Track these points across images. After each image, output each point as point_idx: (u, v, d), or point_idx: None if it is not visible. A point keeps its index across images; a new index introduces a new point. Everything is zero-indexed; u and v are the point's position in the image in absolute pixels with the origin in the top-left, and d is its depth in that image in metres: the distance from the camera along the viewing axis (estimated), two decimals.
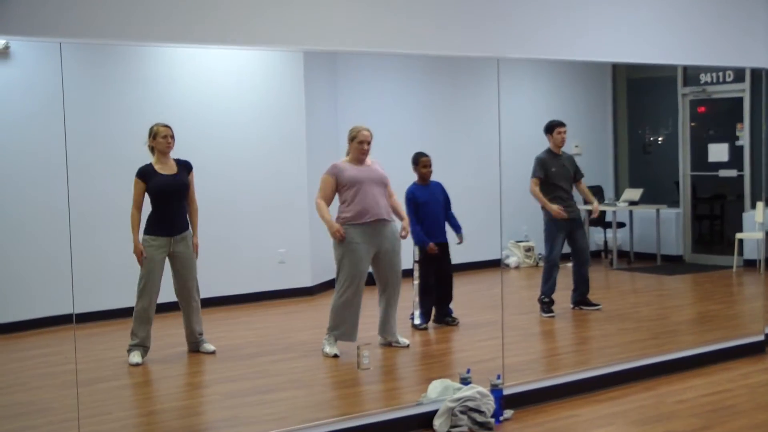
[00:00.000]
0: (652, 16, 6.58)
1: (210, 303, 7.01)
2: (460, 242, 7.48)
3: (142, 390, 6.28)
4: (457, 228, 7.53)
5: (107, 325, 6.64)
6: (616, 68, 11.16)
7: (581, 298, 8.17)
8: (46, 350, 6.54)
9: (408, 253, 7.24)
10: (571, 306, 8.13)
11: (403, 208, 7.03)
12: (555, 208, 7.89)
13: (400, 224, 6.88)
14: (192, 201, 6.66)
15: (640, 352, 6.63)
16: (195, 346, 6.65)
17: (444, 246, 7.51)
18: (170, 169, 6.52)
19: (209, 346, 6.64)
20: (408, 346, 6.89)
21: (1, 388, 5.97)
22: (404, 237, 6.88)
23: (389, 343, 6.87)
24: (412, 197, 7.38)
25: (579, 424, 5.45)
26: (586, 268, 8.23)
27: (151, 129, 6.51)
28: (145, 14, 4.59)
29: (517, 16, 5.91)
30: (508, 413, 5.51)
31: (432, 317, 7.53)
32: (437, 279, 7.51)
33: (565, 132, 8.06)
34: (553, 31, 6.10)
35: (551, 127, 8.07)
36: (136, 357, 6.38)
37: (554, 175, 7.99)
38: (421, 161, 7.43)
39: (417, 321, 7.43)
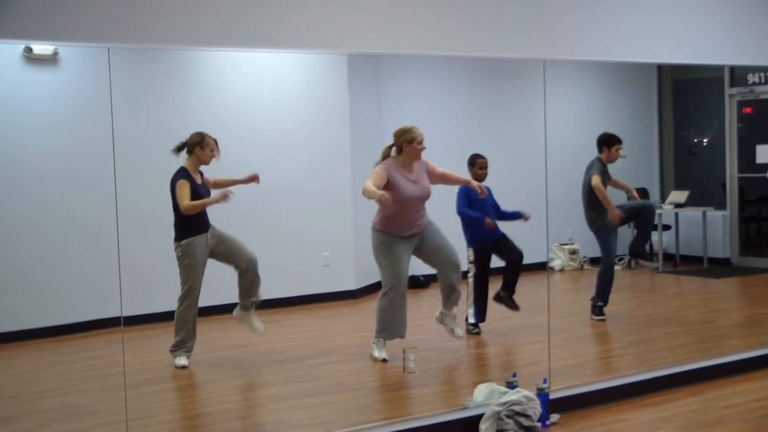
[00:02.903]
0: (697, 16, 6.52)
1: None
2: (528, 218, 7.43)
3: (188, 393, 6.31)
4: (516, 215, 7.50)
5: (154, 328, 6.69)
6: (662, 69, 11.08)
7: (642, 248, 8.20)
8: (93, 353, 6.61)
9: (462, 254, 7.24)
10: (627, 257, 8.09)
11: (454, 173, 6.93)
12: (617, 213, 7.81)
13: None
14: None
15: (687, 356, 6.56)
16: (246, 317, 6.72)
17: (501, 239, 7.49)
18: (199, 178, 6.56)
19: (258, 325, 6.75)
20: (462, 337, 6.90)
21: (51, 390, 6.03)
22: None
23: (449, 328, 6.89)
24: (468, 193, 7.34)
25: (626, 428, 5.40)
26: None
27: (204, 137, 6.49)
28: (190, 19, 4.62)
29: (563, 17, 5.88)
30: (554, 417, 5.47)
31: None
32: (510, 261, 7.52)
33: (620, 149, 7.97)
34: (599, 32, 6.06)
35: (610, 142, 7.94)
36: (182, 360, 6.42)
37: (605, 182, 7.92)
38: (477, 162, 7.40)
39: (471, 320, 7.41)
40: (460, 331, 6.91)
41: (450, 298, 6.82)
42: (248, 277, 6.68)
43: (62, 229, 6.66)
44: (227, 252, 6.62)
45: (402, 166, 6.52)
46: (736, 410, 5.67)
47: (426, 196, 6.61)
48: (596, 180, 7.78)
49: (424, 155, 6.61)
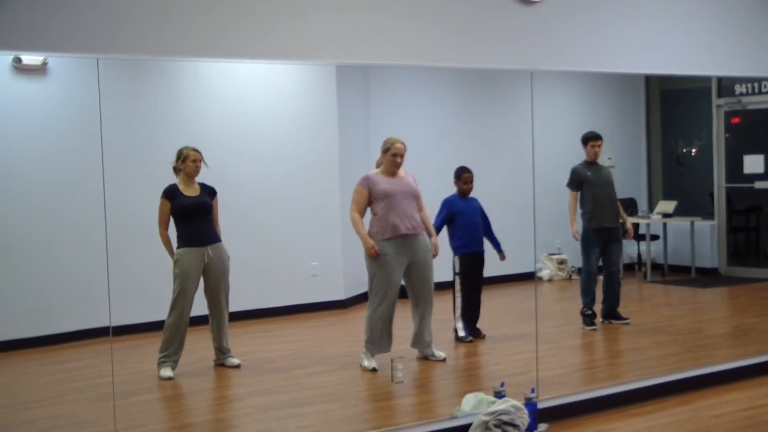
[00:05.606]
0: (686, 27, 6.54)
1: (243, 316, 7.05)
2: (503, 259, 7.48)
3: (177, 403, 6.30)
4: (497, 247, 7.53)
5: (143, 338, 6.68)
6: (650, 80, 11.11)
7: (610, 311, 8.14)
8: (82, 363, 6.59)
9: (442, 266, 7.23)
10: (601, 320, 8.11)
11: (432, 221, 6.99)
12: (574, 230, 7.99)
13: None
14: (215, 225, 6.69)
15: (675, 366, 6.57)
16: (221, 360, 6.69)
17: (479, 256, 7.50)
18: (194, 191, 6.59)
19: (234, 360, 6.69)
20: (444, 359, 6.87)
21: (39, 401, 6.01)
22: (435, 255, 6.84)
23: (425, 357, 6.84)
24: (449, 205, 7.36)
25: None
26: (616, 281, 8.18)
27: (181, 152, 6.57)
28: (179, 30, 4.63)
29: (551, 28, 5.90)
30: (542, 427, 5.48)
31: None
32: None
33: (599, 146, 8.10)
34: (587, 43, 6.08)
35: (586, 139, 8.13)
36: (167, 371, 6.41)
37: (591, 181, 7.99)
38: (463, 177, 7.42)
39: (461, 333, 7.41)
40: (440, 352, 6.90)
41: (419, 331, 6.85)
42: (212, 319, 6.70)
43: (51, 239, 6.64)
44: (209, 281, 6.62)
45: (383, 174, 6.66)
46: (724, 420, 5.68)
47: (410, 192, 6.68)
48: (570, 197, 8.07)
49: (411, 168, 6.67)
